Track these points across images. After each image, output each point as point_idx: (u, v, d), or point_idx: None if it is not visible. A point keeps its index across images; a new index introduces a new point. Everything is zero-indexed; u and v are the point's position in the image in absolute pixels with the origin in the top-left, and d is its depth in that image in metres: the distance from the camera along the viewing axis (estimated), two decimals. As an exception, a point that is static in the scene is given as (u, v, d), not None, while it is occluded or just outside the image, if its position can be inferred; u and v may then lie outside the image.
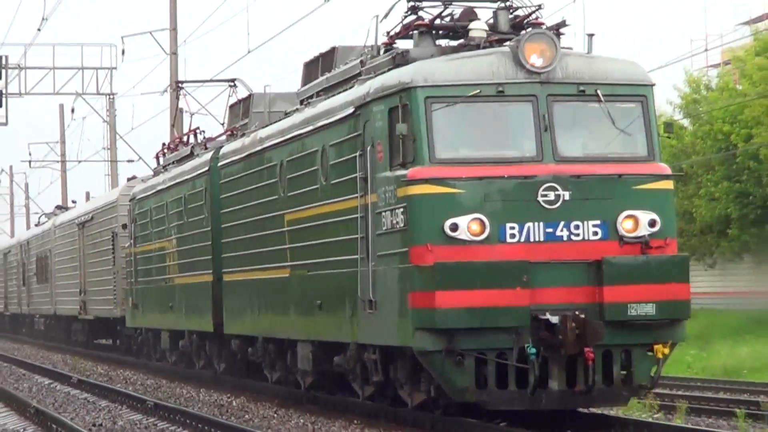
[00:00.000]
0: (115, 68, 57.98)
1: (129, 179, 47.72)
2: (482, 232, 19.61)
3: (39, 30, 48.01)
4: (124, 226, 41.68)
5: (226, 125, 34.31)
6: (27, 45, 55.44)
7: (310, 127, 23.89)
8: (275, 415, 24.79)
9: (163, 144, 38.84)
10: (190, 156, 34.74)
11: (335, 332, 22.88)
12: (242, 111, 32.65)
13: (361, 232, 21.39)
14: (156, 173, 38.74)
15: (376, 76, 21.61)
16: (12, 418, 27.19)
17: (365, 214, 21.28)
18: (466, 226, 19.57)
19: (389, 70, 21.25)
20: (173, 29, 49.85)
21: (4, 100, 53.81)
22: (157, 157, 39.61)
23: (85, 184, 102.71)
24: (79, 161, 77.69)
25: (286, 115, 27.19)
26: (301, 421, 23.59)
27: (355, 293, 21.69)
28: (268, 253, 26.37)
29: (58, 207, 64.36)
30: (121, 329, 43.70)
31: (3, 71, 52.91)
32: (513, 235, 19.69)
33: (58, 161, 79.96)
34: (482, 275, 19.40)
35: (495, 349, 19.58)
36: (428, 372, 20.15)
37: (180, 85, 38.41)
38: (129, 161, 62.87)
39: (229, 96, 37.78)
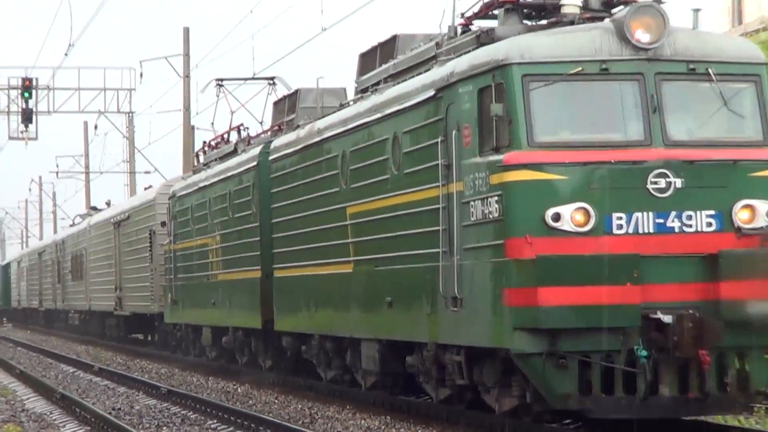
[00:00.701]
0: (134, 89, 58.31)
1: (146, 188, 47.82)
2: (587, 222, 16.01)
3: (66, 55, 47.84)
4: (163, 224, 38.10)
5: (270, 122, 30.79)
6: (55, 68, 55.33)
7: (378, 115, 20.32)
8: (276, 401, 24.61)
9: (204, 142, 35.28)
10: (234, 153, 31.17)
11: (409, 331, 19.29)
12: (288, 107, 29.13)
13: (443, 224, 17.83)
14: (196, 171, 35.16)
15: (458, 56, 18.05)
16: (40, 402, 27.24)
17: (448, 205, 17.71)
18: (570, 216, 15.99)
19: (474, 49, 17.70)
20: (186, 55, 50.32)
21: (34, 117, 53.57)
22: (197, 155, 36.03)
23: (107, 193, 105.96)
24: (101, 172, 78.49)
25: (341, 107, 23.67)
26: (299, 406, 23.37)
27: (434, 289, 18.13)
28: (327, 248, 22.82)
29: (92, 208, 60.83)
30: (159, 325, 40.07)
31: (34, 92, 53.09)
32: (620, 226, 16.06)
33: (82, 172, 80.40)
34: (589, 270, 15.79)
35: (601, 351, 15.98)
36: (521, 376, 16.60)
37: (220, 82, 34.81)
38: (146, 172, 64.03)
39: (268, 94, 34.27)
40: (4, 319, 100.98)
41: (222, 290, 30.57)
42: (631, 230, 16.04)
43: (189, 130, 48.46)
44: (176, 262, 35.52)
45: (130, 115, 61.51)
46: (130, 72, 58.61)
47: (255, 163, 27.56)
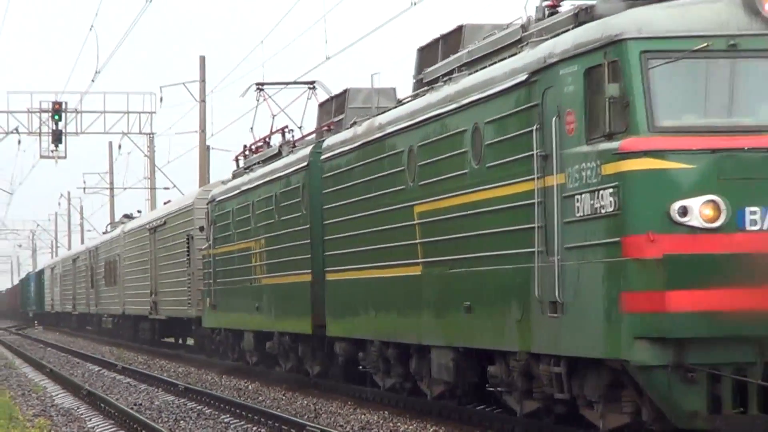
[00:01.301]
0: (155, 112, 58.62)
1: (165, 203, 47.37)
2: (717, 217, 12.91)
3: (93, 81, 47.62)
4: (201, 229, 35.00)
5: (314, 124, 27.71)
6: (83, 93, 56.35)
7: (454, 105, 17.22)
8: (284, 398, 24.61)
9: (245, 146, 32.16)
10: (278, 155, 28.08)
11: (493, 339, 16.14)
12: (335, 107, 26.12)
13: (539, 221, 14.72)
14: (236, 175, 32.06)
15: (553, 36, 14.96)
16: (68, 398, 27.09)
17: (545, 199, 14.61)
18: (698, 210, 12.92)
19: (573, 28, 14.61)
20: (202, 81, 50.63)
21: (63, 138, 54.15)
22: (237, 160, 32.94)
23: (129, 207, 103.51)
24: (125, 188, 79.33)
25: (400, 103, 20.61)
26: (305, 402, 23.35)
27: (527, 293, 15.03)
28: (390, 250, 19.72)
29: (125, 216, 57.69)
30: (197, 329, 36.92)
31: (63, 114, 53.75)
32: (754, 222, 12.95)
33: (107, 188, 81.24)
34: (722, 271, 12.73)
35: (733, 363, 12.91)
36: (633, 390, 13.51)
37: (260, 86, 31.76)
38: (165, 188, 64.76)
39: (308, 99, 31.18)
40: (35, 321, 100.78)
41: (266, 295, 27.47)
42: (766, 226, 12.96)
43: (204, 150, 49.31)
44: (216, 267, 32.42)
45: (151, 136, 62.17)
46: (150, 97, 60.93)
47: (305, 163, 24.48)
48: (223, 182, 32.76)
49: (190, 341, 46.70)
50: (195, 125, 50.97)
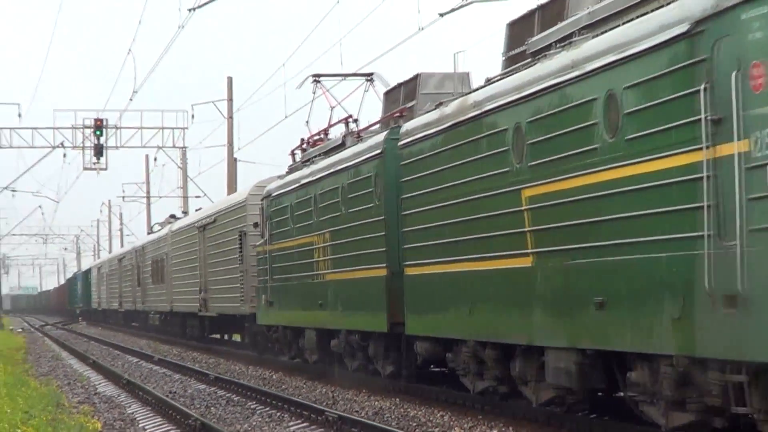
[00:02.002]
0: (187, 128, 58.66)
1: (197, 210, 46.85)
2: None
3: (131, 100, 47.43)
4: (256, 225, 31.37)
5: (379, 114, 24.13)
6: (122, 111, 56.70)
7: (577, 73, 13.59)
8: (305, 386, 24.43)
9: (302, 140, 28.53)
10: (341, 146, 24.49)
11: (637, 340, 12.46)
12: (404, 94, 22.56)
13: (709, 199, 11.07)
14: (292, 170, 28.46)
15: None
16: (109, 386, 27.07)
17: (718, 172, 10.97)
18: None
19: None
20: (230, 99, 51.12)
21: (104, 151, 54.75)
22: (293, 154, 29.30)
23: (165, 214, 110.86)
24: (160, 197, 79.52)
25: (489, 82, 16.99)
26: (324, 390, 23.20)
27: (688, 285, 11.37)
28: (489, 240, 16.08)
29: (171, 216, 54.07)
30: (250, 326, 33.25)
31: (104, 130, 54.46)
32: None
33: (143, 197, 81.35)
34: None
35: None
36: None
37: (317, 78, 28.15)
38: (196, 197, 65.03)
39: (365, 91, 27.54)
40: (79, 318, 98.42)
41: (332, 291, 23.84)
42: None
43: (232, 162, 49.88)
44: (272, 263, 28.78)
45: (184, 149, 62.76)
46: (183, 114, 59.38)
47: (379, 150, 20.85)
48: (280, 177, 29.11)
49: (236, 337, 43.27)
50: (223, 140, 51.42)
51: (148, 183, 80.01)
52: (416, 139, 18.78)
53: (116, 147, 57.01)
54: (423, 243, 18.55)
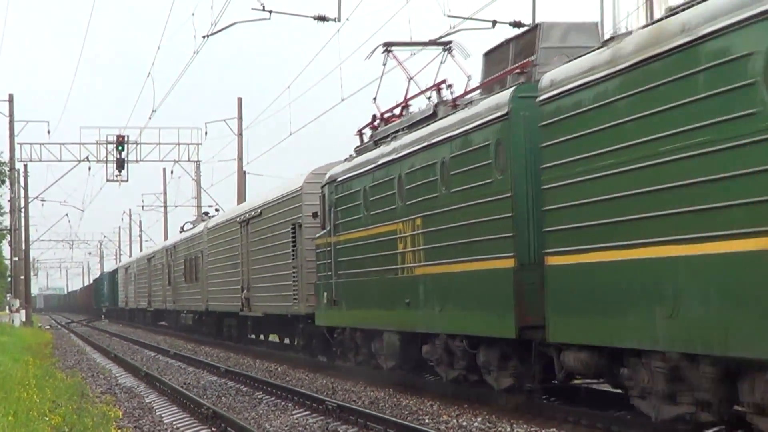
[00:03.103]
0: (201, 144, 59.44)
1: (180, 232, 46.04)
2: None
3: (150, 118, 47.59)
4: (315, 215, 25.75)
5: (481, 77, 18.54)
6: (142, 128, 59.03)
7: None
8: (306, 378, 24.28)
9: (374, 116, 22.95)
10: (432, 117, 18.96)
11: None
12: (516, 52, 17.03)
13: None
14: (360, 151, 22.93)
15: None
16: (129, 378, 26.93)
17: None
18: None
19: None
20: (240, 118, 51.59)
21: (126, 165, 54.64)
22: (361, 134, 23.73)
23: (180, 222, 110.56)
24: (176, 206, 79.75)
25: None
26: (324, 381, 23.08)
27: None
28: (713, 213, 10.52)
29: (204, 213, 48.40)
30: (305, 327, 27.59)
31: (125, 145, 54.34)
32: None
33: (161, 206, 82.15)
34: None
35: None
36: None
37: (389, 47, 22.57)
38: (209, 206, 63.59)
39: (441, 63, 21.98)
40: (102, 315, 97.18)
41: (425, 287, 18.24)
42: None
43: (242, 175, 50.11)
44: (337, 256, 23.19)
45: (198, 163, 63.25)
46: (197, 131, 59.80)
47: (503, 112, 15.26)
48: (348, 159, 23.46)
49: (273, 338, 37.76)
50: (234, 154, 51.92)
51: (165, 194, 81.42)
52: (568, 91, 13.21)
53: (136, 161, 58.03)
54: (580, 223, 12.97)
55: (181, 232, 52.62)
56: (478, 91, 18.23)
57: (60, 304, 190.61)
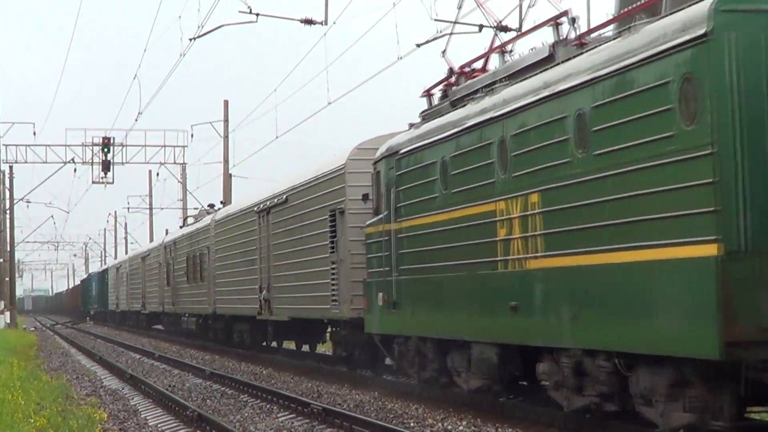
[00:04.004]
0: (186, 146, 59.25)
1: (180, 227, 44.73)
2: None
3: (136, 120, 46.81)
4: (366, 198, 21.09)
5: (615, 8, 13.96)
6: (127, 130, 57.23)
7: None
8: (292, 381, 23.93)
9: (450, 71, 18.32)
10: (548, 60, 14.37)
11: None
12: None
13: None
14: (428, 117, 18.33)
15: None
16: (114, 380, 26.55)
17: None
18: None
19: None
20: (226, 120, 51.22)
21: (111, 167, 54.64)
22: (429, 95, 19.11)
23: (166, 224, 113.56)
24: (162, 209, 79.66)
25: None
26: (309, 384, 22.63)
27: None
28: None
29: (210, 206, 43.56)
30: (348, 334, 22.87)
31: (111, 147, 54.25)
32: None
33: (146, 208, 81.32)
34: None
35: None
36: None
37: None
38: (195, 209, 63.29)
39: (530, 6, 17.49)
40: (87, 317, 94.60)
41: (544, 286, 13.60)
42: None
43: (228, 177, 49.86)
44: (399, 248, 18.56)
45: (184, 165, 62.41)
46: (183, 133, 59.56)
47: (699, 33, 10.60)
48: (416, 125, 18.74)
49: (289, 344, 33.23)
50: (220, 157, 51.35)
51: (150, 196, 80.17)
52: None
53: (122, 163, 57.64)
54: None
55: (181, 227, 47.91)
56: (611, 27, 13.67)
57: (49, 305, 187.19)
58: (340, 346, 23.67)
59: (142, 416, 18.52)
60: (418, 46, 22.74)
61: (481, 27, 23.07)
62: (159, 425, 17.21)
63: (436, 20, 22.44)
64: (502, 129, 14.75)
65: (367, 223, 20.43)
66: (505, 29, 17.94)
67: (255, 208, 30.19)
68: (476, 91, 16.53)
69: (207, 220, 38.74)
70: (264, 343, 32.86)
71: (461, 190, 16.08)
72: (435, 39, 22.59)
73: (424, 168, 17.49)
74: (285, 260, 26.99)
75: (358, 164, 21.93)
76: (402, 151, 18.49)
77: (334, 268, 22.87)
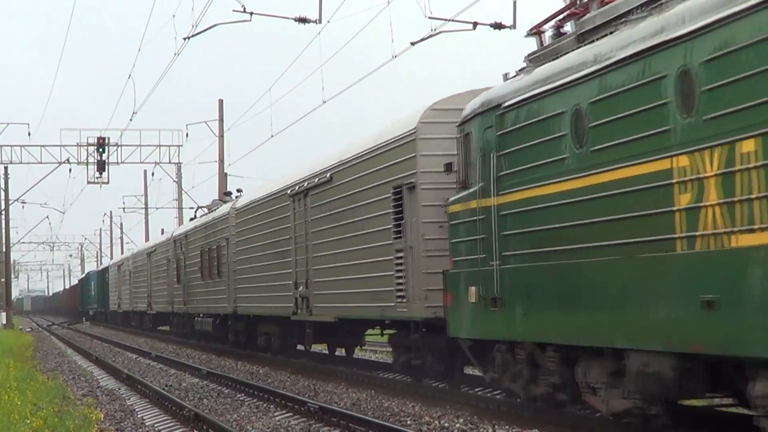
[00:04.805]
0: (182, 146, 58.99)
1: (191, 219, 43.13)
2: None
3: (131, 120, 46.30)
4: (449, 168, 16.87)
5: None
6: (122, 130, 57.72)
7: None
8: (288, 379, 23.74)
9: (573, 1, 14.15)
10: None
11: None
12: None
13: None
14: (541, 58, 14.17)
15: None
16: (110, 380, 26.32)
17: None
18: None
19: None
20: (221, 120, 51.07)
21: (106, 167, 54.23)
22: (539, 33, 14.93)
23: (160, 224, 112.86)
24: (157, 208, 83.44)
25: None
26: (306, 383, 22.45)
27: None
28: None
29: (226, 193, 39.17)
30: (422, 339, 18.60)
31: (106, 147, 53.91)
32: None
33: (142, 208, 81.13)
34: None
35: None
36: None
37: None
38: (190, 208, 63.52)
39: None
40: (83, 318, 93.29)
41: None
42: None
43: (223, 177, 49.64)
44: (502, 228, 14.41)
45: (179, 165, 62.31)
46: (178, 133, 59.48)
47: None
48: (525, 70, 14.52)
49: (321, 347, 29.16)
50: (215, 156, 51.50)
51: (146, 196, 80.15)
52: None
53: (117, 163, 57.67)
54: None
55: (192, 219, 43.71)
56: None
57: (48, 305, 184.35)
58: (404, 352, 19.47)
59: (139, 416, 18.47)
60: (413, 44, 22.77)
61: (475, 24, 23.55)
62: (156, 425, 17.12)
63: (430, 18, 22.85)
64: (685, 55, 10.60)
65: (451, 199, 16.27)
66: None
67: (288, 191, 26.01)
68: (619, 17, 12.37)
69: (225, 208, 34.56)
70: (299, 347, 28.65)
71: (608, 147, 11.93)
72: (430, 37, 22.85)
73: (544, 122, 13.35)
74: (329, 250, 22.82)
75: (433, 128, 17.79)
76: (507, 104, 14.35)
77: (400, 258, 18.68)
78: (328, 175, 22.78)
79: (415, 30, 26.73)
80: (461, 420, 15.39)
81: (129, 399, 21.53)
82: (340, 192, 22.03)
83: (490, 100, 14.94)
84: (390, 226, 19.08)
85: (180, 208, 65.34)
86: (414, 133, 18.01)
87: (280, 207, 26.91)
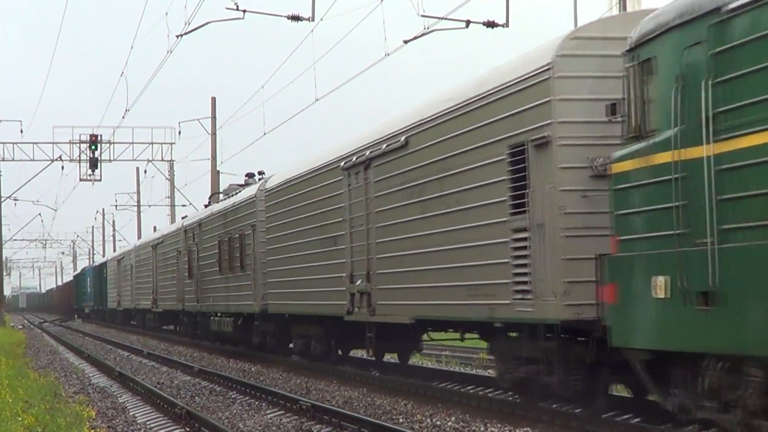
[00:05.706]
0: (174, 143, 59.00)
1: (183, 217, 43.47)
2: None
3: (123, 117, 45.85)
4: (613, 109, 12.11)
5: None
6: (115, 127, 58.11)
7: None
8: (280, 377, 23.62)
9: None
10: None
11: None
12: None
13: None
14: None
15: None
16: (102, 378, 26.11)
17: None
18: None
19: None
20: (213, 117, 50.96)
21: (99, 164, 54.07)
22: None
23: (153, 221, 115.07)
24: (149, 206, 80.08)
25: None
26: (298, 380, 22.43)
27: None
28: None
29: (248, 175, 34.34)
30: (559, 349, 13.89)
31: (99, 145, 53.79)
32: None
33: (134, 206, 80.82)
34: None
35: None
36: None
37: None
38: (183, 205, 63.46)
39: None
40: (75, 315, 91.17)
41: None
42: None
43: (215, 174, 49.55)
44: (721, 189, 9.80)
45: (171, 163, 62.12)
46: (171, 130, 60.31)
47: None
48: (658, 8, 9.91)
49: (359, 352, 24.64)
50: (207, 154, 51.45)
51: (138, 193, 79.61)
52: None
53: (110, 160, 57.34)
54: None
55: (206, 205, 39.01)
56: None
57: (42, 302, 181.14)
58: (517, 364, 14.72)
59: (131, 414, 18.34)
60: (406, 42, 22.93)
61: (468, 23, 23.41)
62: (147, 422, 17.05)
63: (423, 16, 22.78)
64: None
65: (618, 155, 11.61)
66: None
67: (342, 164, 21.29)
68: None
69: (251, 190, 29.83)
70: (352, 353, 24.03)
71: None
72: (423, 35, 22.81)
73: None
74: (402, 234, 18.10)
75: (575, 63, 13.12)
76: (734, 6, 9.69)
77: (521, 240, 13.95)
78: (403, 138, 18.05)
79: (408, 28, 26.84)
80: (453, 418, 15.37)
81: (121, 396, 21.37)
82: (421, 159, 17.29)
83: (700, 5, 10.28)
84: (505, 198, 14.37)
85: (172, 206, 65.42)
86: (548, 69, 13.26)
87: (328, 184, 22.21)
